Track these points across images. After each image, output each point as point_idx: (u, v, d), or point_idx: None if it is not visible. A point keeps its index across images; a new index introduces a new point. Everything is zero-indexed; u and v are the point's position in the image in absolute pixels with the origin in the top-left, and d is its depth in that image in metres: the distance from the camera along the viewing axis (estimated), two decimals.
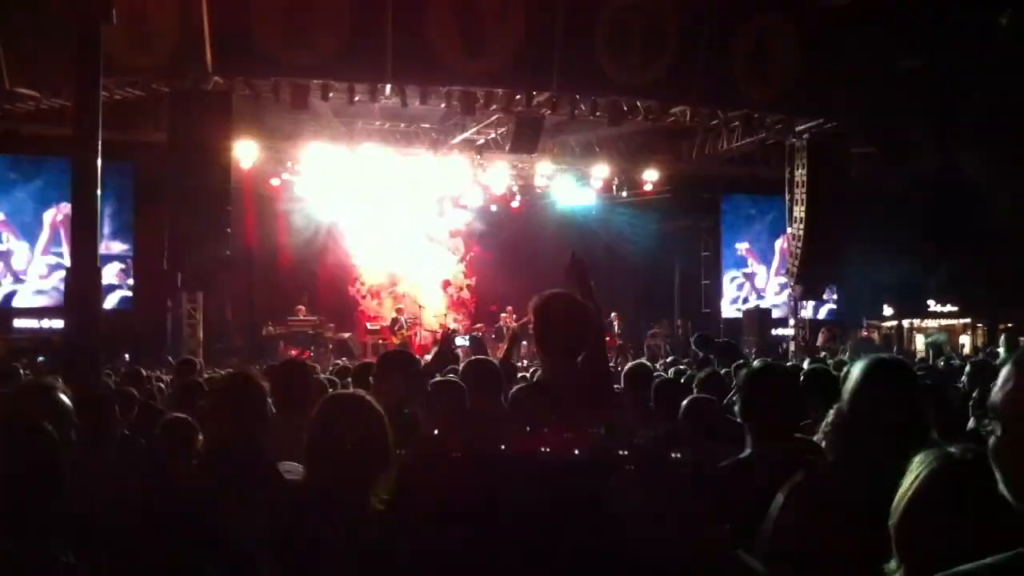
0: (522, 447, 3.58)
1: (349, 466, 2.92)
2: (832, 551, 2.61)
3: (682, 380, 6.98)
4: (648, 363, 7.30)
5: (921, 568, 1.89)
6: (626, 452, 3.55)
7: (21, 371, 8.60)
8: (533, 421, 3.74)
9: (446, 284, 24.09)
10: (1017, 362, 1.63)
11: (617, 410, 4.36)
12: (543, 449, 3.54)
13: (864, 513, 2.21)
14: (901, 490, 2.02)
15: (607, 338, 20.17)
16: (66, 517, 2.34)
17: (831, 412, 3.93)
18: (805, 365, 8.65)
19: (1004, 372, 1.64)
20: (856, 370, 2.99)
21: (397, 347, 17.86)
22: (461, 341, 17.68)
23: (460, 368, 6.01)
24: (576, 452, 3.52)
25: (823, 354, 14.79)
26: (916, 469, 2.01)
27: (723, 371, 7.30)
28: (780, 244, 22.95)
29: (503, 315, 21.85)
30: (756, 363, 4.68)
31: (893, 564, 1.98)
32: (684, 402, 5.05)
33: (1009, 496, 1.58)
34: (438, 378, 5.26)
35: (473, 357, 6.12)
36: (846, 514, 2.53)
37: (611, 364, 12.77)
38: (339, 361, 15.10)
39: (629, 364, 7.22)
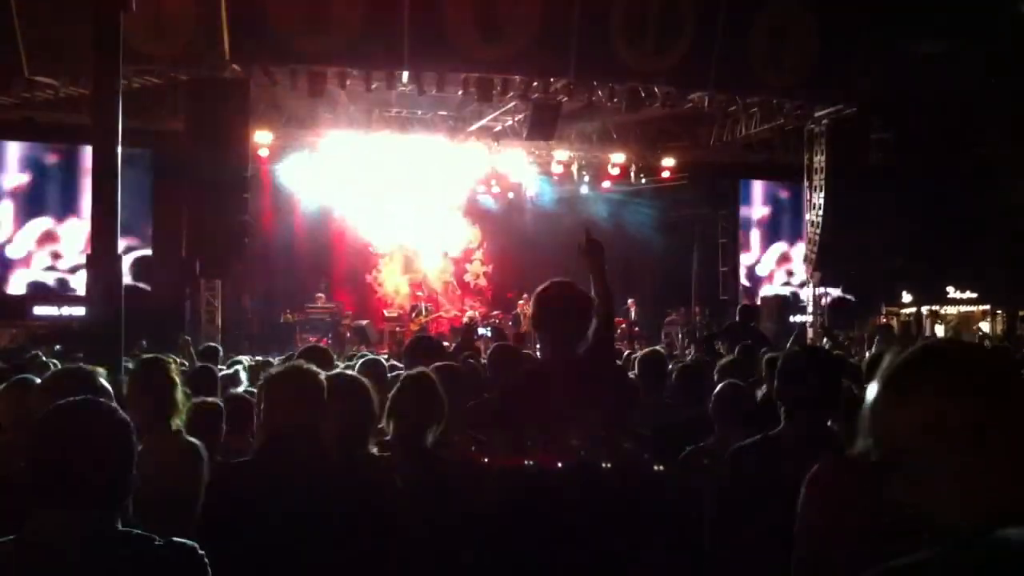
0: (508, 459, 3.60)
1: None
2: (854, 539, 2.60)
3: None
4: (662, 350, 7.27)
5: None
6: (609, 465, 3.55)
7: (43, 358, 8.65)
8: (524, 412, 3.75)
9: (462, 271, 24.10)
10: (887, 384, 1.59)
11: (621, 398, 4.31)
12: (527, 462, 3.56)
13: None
14: None
15: (622, 324, 20.36)
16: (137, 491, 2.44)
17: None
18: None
19: (872, 392, 1.61)
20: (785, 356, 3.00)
21: (418, 333, 17.90)
22: (482, 331, 17.73)
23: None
24: (559, 464, 3.53)
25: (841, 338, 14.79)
26: None
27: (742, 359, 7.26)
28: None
29: (520, 302, 21.87)
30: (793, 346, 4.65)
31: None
32: (716, 388, 5.02)
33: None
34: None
35: (496, 345, 6.14)
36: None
37: (628, 351, 12.82)
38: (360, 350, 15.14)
39: (642, 351, 7.21)
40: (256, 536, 3.08)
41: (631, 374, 6.48)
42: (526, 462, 3.55)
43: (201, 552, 2.41)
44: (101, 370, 3.75)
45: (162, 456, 3.87)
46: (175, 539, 2.41)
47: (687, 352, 18.25)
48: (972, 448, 1.48)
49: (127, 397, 4.27)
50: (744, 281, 24.63)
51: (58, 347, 13.30)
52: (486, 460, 3.82)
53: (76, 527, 2.26)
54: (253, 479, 3.29)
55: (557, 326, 3.90)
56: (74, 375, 3.88)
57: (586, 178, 22.91)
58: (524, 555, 3.50)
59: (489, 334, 17.08)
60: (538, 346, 4.55)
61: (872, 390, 1.60)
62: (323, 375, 3.52)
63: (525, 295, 21.72)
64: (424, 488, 3.62)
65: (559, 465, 3.54)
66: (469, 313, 22.45)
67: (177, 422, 4.20)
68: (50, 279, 19.63)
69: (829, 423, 3.64)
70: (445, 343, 9.55)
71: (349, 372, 3.70)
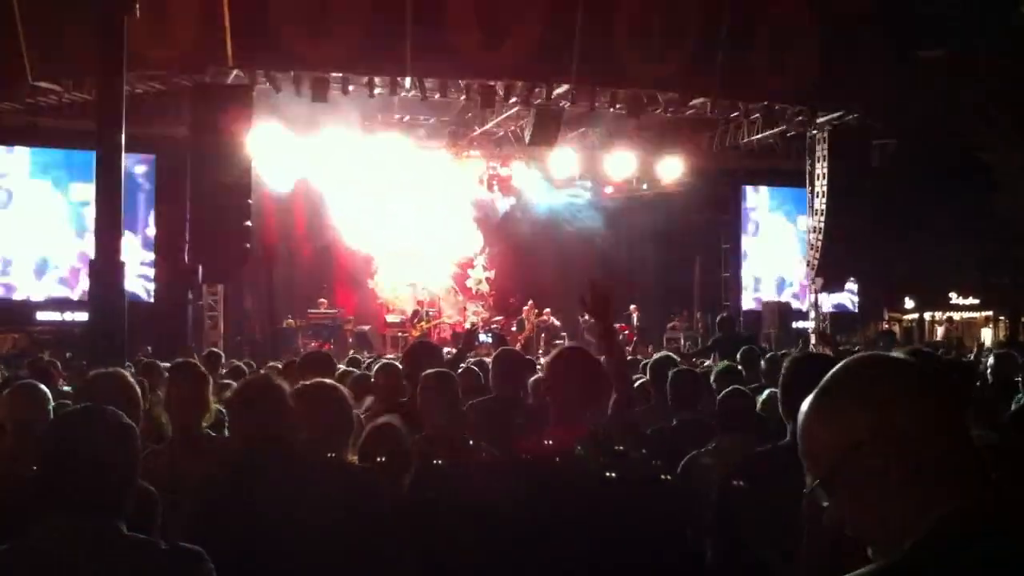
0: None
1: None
2: None
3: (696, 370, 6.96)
4: (674, 355, 7.26)
5: None
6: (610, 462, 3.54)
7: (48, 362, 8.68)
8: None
9: (464, 277, 24.11)
10: (810, 405, 1.57)
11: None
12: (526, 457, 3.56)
13: None
14: None
15: (624, 331, 20.35)
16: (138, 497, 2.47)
17: None
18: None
19: (801, 414, 1.59)
20: (785, 366, 3.00)
21: (419, 339, 17.91)
22: (484, 337, 17.73)
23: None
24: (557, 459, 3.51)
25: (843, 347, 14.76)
26: None
27: (739, 366, 7.26)
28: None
29: (525, 308, 21.89)
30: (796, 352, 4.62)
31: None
32: (720, 395, 5.02)
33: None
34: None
35: (502, 348, 6.16)
36: None
37: (631, 357, 12.81)
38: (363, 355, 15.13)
39: (654, 356, 7.21)
40: (234, 546, 3.09)
41: (640, 379, 6.50)
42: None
43: (207, 558, 2.43)
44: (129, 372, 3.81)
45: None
46: (181, 544, 2.42)
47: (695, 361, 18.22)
48: (900, 461, 1.45)
49: (165, 400, 4.33)
50: (753, 287, 24.65)
51: (69, 354, 13.32)
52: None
53: (81, 532, 2.27)
54: (229, 489, 3.32)
55: (569, 400, 3.76)
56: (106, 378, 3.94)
57: (588, 184, 22.92)
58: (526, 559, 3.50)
59: (490, 340, 17.07)
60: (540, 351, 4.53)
61: (801, 411, 1.58)
62: (286, 386, 3.60)
63: (531, 300, 21.78)
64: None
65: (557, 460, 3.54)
66: (471, 319, 22.46)
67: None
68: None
69: None
70: (447, 349, 9.56)
71: (328, 381, 3.69)
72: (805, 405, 1.57)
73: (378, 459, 3.77)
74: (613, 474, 3.48)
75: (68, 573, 2.26)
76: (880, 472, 1.46)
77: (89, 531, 2.28)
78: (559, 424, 3.78)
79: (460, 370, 6.01)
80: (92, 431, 2.36)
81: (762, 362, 7.61)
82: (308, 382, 3.77)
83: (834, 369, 1.57)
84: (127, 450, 2.38)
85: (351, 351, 19.14)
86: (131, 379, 3.79)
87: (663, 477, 3.62)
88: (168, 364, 4.97)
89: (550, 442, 3.55)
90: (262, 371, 5.01)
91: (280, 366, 9.92)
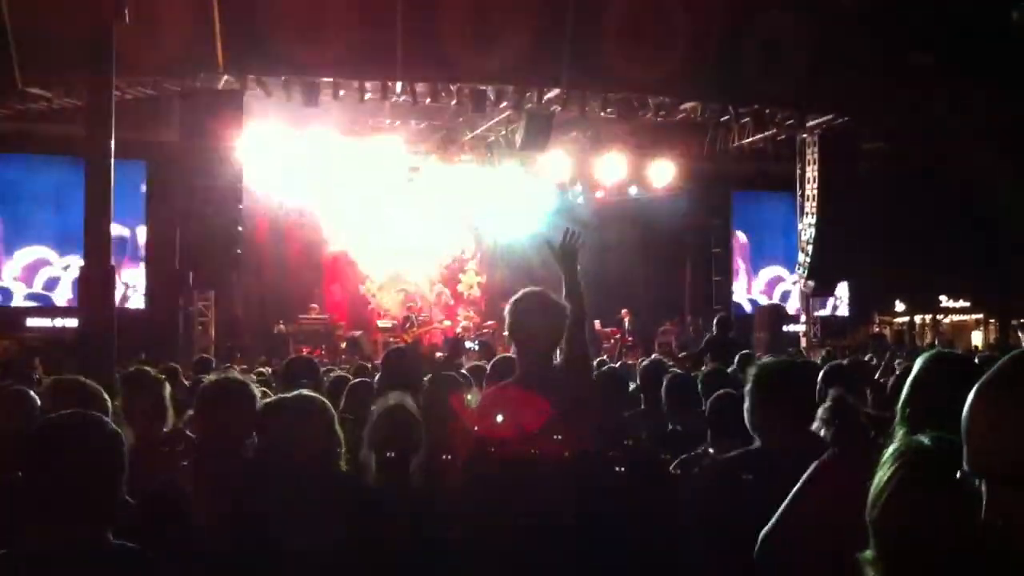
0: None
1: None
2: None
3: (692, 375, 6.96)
4: (664, 359, 7.27)
5: (896, 561, 1.84)
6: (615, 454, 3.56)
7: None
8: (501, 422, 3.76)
9: (456, 282, 24.09)
10: (1006, 393, 1.42)
11: (594, 410, 4.31)
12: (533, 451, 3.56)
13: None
14: (877, 483, 1.97)
15: (616, 335, 20.36)
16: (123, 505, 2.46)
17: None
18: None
19: (983, 399, 1.44)
20: (919, 364, 2.97)
21: (406, 344, 17.89)
22: (469, 344, 17.67)
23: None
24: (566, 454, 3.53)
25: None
26: (891, 463, 1.89)
27: (729, 369, 7.27)
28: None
29: None
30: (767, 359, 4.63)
31: (869, 554, 1.93)
32: (711, 398, 5.02)
33: None
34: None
35: (500, 355, 6.15)
36: None
37: (622, 361, 12.82)
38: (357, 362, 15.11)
39: (644, 361, 7.21)
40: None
41: (633, 384, 6.50)
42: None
43: (196, 569, 2.42)
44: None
45: None
46: (170, 553, 2.41)
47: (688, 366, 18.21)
48: None
49: (125, 409, 4.32)
50: (743, 292, 24.70)
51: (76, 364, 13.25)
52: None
53: (69, 541, 2.25)
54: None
55: (530, 338, 3.91)
56: (68, 385, 3.91)
57: (579, 188, 22.92)
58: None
59: (476, 347, 16.97)
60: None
61: (981, 398, 1.44)
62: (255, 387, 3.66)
63: None
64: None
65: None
66: (463, 324, 22.44)
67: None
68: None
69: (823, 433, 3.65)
70: (439, 354, 9.55)
71: (307, 392, 3.68)
72: (987, 397, 1.43)
73: (388, 455, 3.75)
74: (622, 468, 3.51)
75: None
76: None
77: (83, 541, 2.27)
78: (523, 367, 3.88)
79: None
80: (77, 440, 2.34)
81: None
82: (287, 395, 3.75)
83: (1013, 360, 1.45)
84: (114, 457, 2.37)
85: (343, 356, 19.16)
86: (95, 386, 3.75)
87: (664, 457, 3.64)
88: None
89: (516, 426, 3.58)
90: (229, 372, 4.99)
91: (269, 372, 9.93)
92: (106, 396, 3.78)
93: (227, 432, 3.63)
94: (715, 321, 13.23)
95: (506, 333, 4.28)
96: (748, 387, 3.72)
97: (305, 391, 3.61)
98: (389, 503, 3.51)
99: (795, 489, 3.00)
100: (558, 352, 4.00)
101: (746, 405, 3.71)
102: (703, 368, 9.07)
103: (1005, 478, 1.37)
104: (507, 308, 4.04)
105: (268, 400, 3.88)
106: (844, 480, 2.85)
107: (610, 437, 4.39)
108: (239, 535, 3.14)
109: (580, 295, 4.08)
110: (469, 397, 3.94)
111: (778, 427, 3.56)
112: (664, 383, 5.78)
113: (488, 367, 5.81)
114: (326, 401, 3.60)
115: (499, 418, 3.70)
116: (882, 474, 1.89)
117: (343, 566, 3.16)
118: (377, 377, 6.12)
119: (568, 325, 3.93)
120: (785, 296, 24.67)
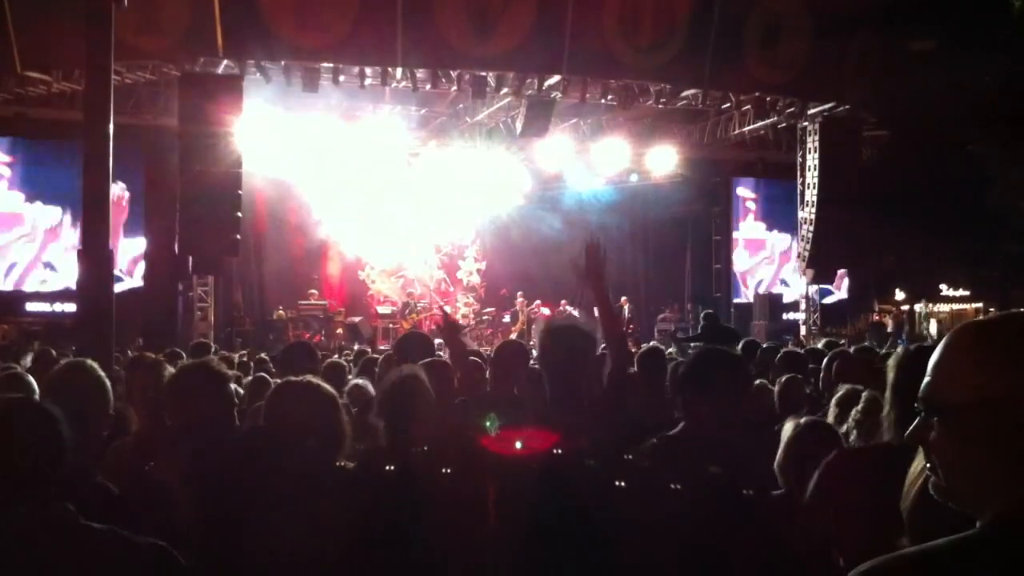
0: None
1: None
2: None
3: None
4: (661, 347, 7.27)
5: None
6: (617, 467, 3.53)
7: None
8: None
9: (455, 268, 24.08)
10: (957, 345, 1.54)
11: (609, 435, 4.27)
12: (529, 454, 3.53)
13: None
14: (911, 474, 1.99)
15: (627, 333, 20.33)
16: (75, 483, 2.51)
17: (864, 398, 3.93)
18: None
19: (934, 359, 1.56)
20: (896, 357, 2.99)
21: (410, 330, 17.88)
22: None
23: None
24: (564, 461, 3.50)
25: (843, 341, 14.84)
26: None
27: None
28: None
29: (518, 300, 21.89)
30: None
31: (906, 540, 1.94)
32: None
33: (942, 496, 1.53)
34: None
35: (505, 340, 6.14)
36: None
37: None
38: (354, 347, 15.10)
39: (643, 348, 7.21)
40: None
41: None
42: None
43: (170, 549, 2.43)
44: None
45: None
46: (140, 536, 2.42)
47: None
48: (1018, 431, 1.43)
49: (127, 393, 4.31)
50: (741, 279, 24.67)
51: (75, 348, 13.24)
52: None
53: (40, 519, 2.30)
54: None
55: (559, 372, 3.80)
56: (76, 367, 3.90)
57: (579, 175, 22.88)
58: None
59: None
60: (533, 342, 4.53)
61: (952, 345, 1.54)
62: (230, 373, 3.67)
63: (520, 293, 21.77)
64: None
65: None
66: (462, 310, 22.45)
67: None
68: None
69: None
70: (438, 340, 9.53)
71: (313, 379, 3.63)
72: (957, 339, 1.54)
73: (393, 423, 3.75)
74: (623, 483, 3.47)
75: (33, 558, 2.27)
76: (995, 434, 1.44)
77: (48, 517, 2.31)
78: (553, 395, 3.83)
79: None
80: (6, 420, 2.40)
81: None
82: (283, 380, 3.72)
83: (1008, 316, 1.54)
84: (46, 434, 2.40)
85: (342, 342, 19.17)
86: (99, 371, 3.74)
87: (673, 487, 3.59)
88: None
89: (520, 444, 3.54)
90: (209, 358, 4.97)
91: (268, 357, 9.92)
92: (106, 381, 3.75)
93: (199, 419, 3.62)
94: (702, 316, 13.33)
95: (535, 355, 4.19)
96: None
97: (311, 378, 3.58)
98: (387, 498, 3.48)
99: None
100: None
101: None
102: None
103: (928, 404, 1.53)
104: (538, 336, 3.96)
105: (276, 384, 3.87)
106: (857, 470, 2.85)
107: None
108: (221, 526, 3.14)
109: (613, 316, 3.99)
110: (488, 424, 3.85)
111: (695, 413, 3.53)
112: (668, 371, 5.77)
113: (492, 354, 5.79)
114: (332, 390, 3.55)
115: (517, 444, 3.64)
116: (917, 462, 1.91)
117: (328, 559, 3.14)
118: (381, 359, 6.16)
119: (599, 354, 3.84)
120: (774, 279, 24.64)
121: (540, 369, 3.98)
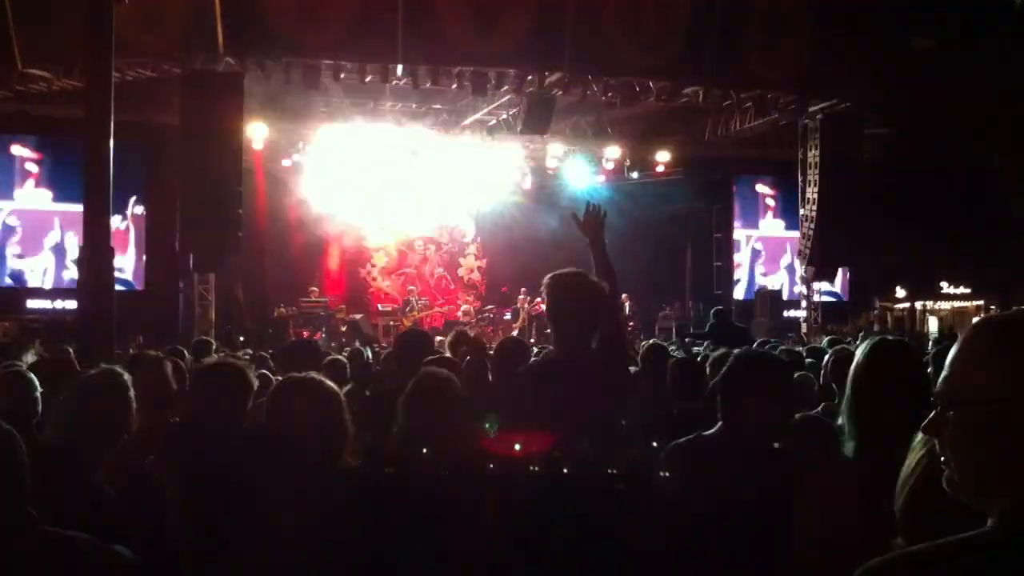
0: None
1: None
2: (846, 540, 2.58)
3: (698, 359, 6.94)
4: (663, 343, 7.27)
5: None
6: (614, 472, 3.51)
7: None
8: (538, 403, 3.73)
9: (456, 265, 24.08)
10: (977, 340, 1.54)
11: (629, 390, 4.31)
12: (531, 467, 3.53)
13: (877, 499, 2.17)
14: (903, 473, 1.99)
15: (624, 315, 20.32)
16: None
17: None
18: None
19: (952, 354, 1.56)
20: (858, 353, 2.98)
21: (410, 328, 17.88)
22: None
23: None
24: (564, 471, 3.49)
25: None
26: (919, 450, 1.96)
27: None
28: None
29: (520, 297, 21.88)
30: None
31: (900, 541, 1.95)
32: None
33: (954, 490, 1.53)
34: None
35: (506, 337, 6.15)
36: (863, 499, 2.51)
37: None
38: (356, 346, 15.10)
39: (646, 344, 7.21)
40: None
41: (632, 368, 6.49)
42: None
43: (129, 555, 2.38)
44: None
45: None
46: (104, 542, 2.36)
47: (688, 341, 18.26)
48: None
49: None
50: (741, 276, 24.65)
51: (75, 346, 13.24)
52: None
53: None
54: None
55: (568, 318, 3.90)
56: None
57: (580, 172, 22.87)
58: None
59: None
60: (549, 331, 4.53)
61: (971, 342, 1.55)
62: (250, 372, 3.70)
63: (523, 290, 21.74)
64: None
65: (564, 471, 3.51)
66: (463, 308, 22.44)
67: None
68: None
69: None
70: (439, 337, 9.53)
71: (316, 376, 3.60)
72: (977, 335, 1.54)
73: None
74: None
75: None
76: (1010, 430, 1.45)
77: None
78: (561, 347, 3.88)
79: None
80: None
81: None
82: (285, 377, 3.72)
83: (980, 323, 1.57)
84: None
85: (343, 340, 19.15)
86: (125, 378, 3.72)
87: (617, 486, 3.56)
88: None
89: (519, 446, 3.54)
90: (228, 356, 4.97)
91: (269, 355, 9.91)
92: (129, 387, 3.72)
93: (218, 416, 3.61)
94: (712, 312, 13.31)
95: (543, 309, 4.27)
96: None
97: (313, 374, 3.57)
98: (387, 500, 3.46)
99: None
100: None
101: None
102: (698, 350, 9.08)
103: (944, 398, 1.54)
104: (545, 287, 4.00)
105: (278, 381, 3.87)
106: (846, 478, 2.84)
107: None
108: (220, 524, 3.13)
109: (611, 268, 4.08)
110: (488, 425, 3.84)
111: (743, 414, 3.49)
112: (669, 366, 5.76)
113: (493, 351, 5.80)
114: (335, 388, 3.52)
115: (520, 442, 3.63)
116: (910, 460, 1.92)
117: (327, 558, 3.13)
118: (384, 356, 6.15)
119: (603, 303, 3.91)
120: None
121: (548, 320, 4.07)
